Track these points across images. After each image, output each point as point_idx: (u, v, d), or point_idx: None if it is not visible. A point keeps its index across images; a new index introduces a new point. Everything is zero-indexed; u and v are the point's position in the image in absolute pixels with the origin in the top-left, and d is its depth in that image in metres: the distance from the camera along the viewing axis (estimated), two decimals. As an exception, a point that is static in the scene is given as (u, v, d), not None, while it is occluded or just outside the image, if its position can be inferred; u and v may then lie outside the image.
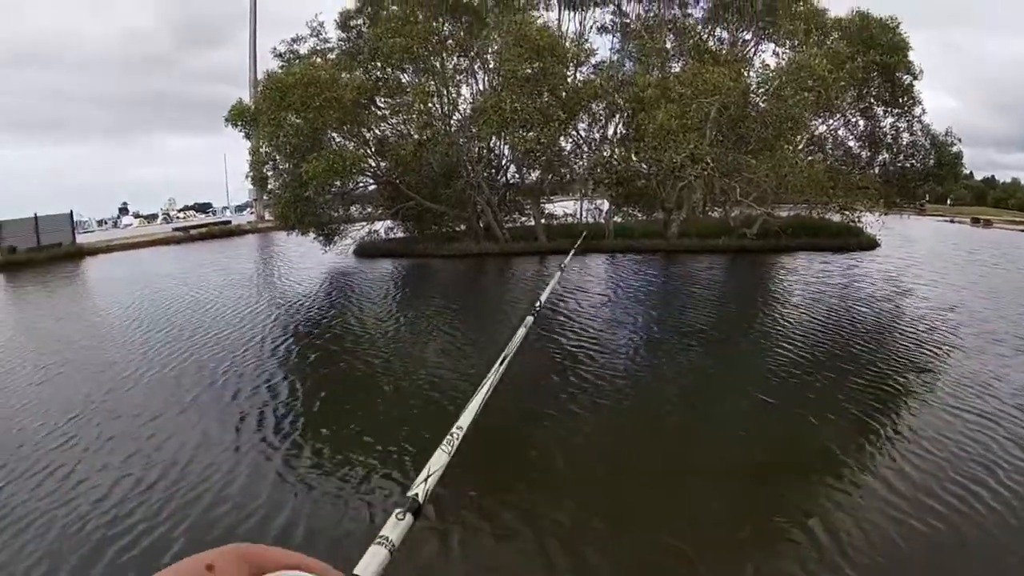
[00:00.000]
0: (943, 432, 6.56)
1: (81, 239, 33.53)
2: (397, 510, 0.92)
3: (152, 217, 59.82)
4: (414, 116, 22.17)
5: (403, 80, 23.27)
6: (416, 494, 0.99)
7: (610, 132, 24.33)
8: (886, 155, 25.18)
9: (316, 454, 6.33)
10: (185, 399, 8.03)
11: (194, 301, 15.21)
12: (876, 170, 24.72)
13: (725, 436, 6.77)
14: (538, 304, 3.36)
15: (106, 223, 59.48)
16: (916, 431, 6.67)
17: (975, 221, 35.36)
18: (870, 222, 22.37)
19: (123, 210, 64.55)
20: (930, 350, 9.85)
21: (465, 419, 1.19)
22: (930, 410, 7.29)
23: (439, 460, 1.11)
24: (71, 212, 32.94)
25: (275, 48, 24.71)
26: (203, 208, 65.64)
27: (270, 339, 11.20)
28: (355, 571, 0.75)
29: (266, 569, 0.42)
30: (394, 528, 0.89)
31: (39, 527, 4.97)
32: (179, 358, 9.97)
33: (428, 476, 1.04)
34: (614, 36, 26.73)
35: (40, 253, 28.38)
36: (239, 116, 24.03)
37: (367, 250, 24.58)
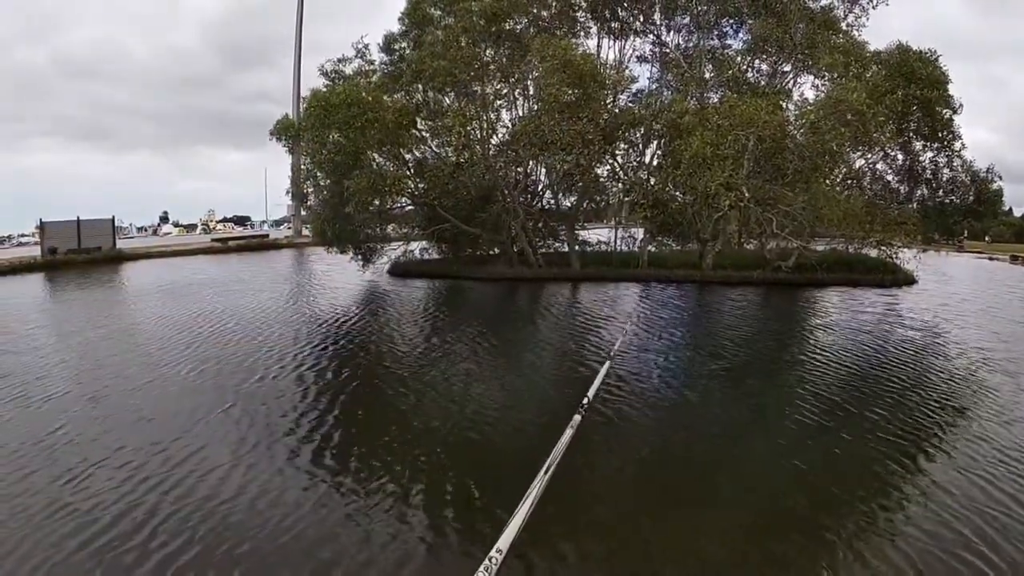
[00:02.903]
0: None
1: (121, 244, 34.55)
2: None
3: (191, 227, 61.14)
4: (453, 139, 22.58)
5: (445, 103, 23.78)
6: None
7: (647, 158, 24.55)
8: (925, 190, 24.94)
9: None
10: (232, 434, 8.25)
11: (231, 313, 15.58)
12: (914, 205, 24.48)
13: (758, 473, 6.74)
14: (586, 401, 3.02)
15: (146, 230, 60.90)
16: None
17: (1014, 259, 34.68)
18: (907, 258, 22.15)
19: (163, 219, 66.25)
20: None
21: (505, 540, 0.76)
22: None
23: None
24: (113, 218, 34.04)
25: (322, 66, 25.42)
26: (241, 221, 66.91)
27: (296, 356, 11.47)
28: None
29: None
30: None
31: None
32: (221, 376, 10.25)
33: None
34: (653, 65, 26.97)
35: (80, 255, 29.36)
36: (284, 131, 24.84)
37: (401, 270, 24.97)
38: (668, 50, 26.11)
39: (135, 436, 7.51)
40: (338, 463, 6.86)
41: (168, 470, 6.54)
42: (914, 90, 22.07)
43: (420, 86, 23.32)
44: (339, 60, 25.22)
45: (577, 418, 2.27)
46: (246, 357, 11.43)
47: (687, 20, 25.64)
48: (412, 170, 24.28)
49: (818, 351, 12.40)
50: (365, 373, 10.69)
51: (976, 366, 11.11)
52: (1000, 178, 24.38)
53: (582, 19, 25.26)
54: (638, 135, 23.66)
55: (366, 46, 25.13)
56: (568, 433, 2.08)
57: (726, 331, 14.90)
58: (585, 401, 3.06)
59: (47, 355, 11.80)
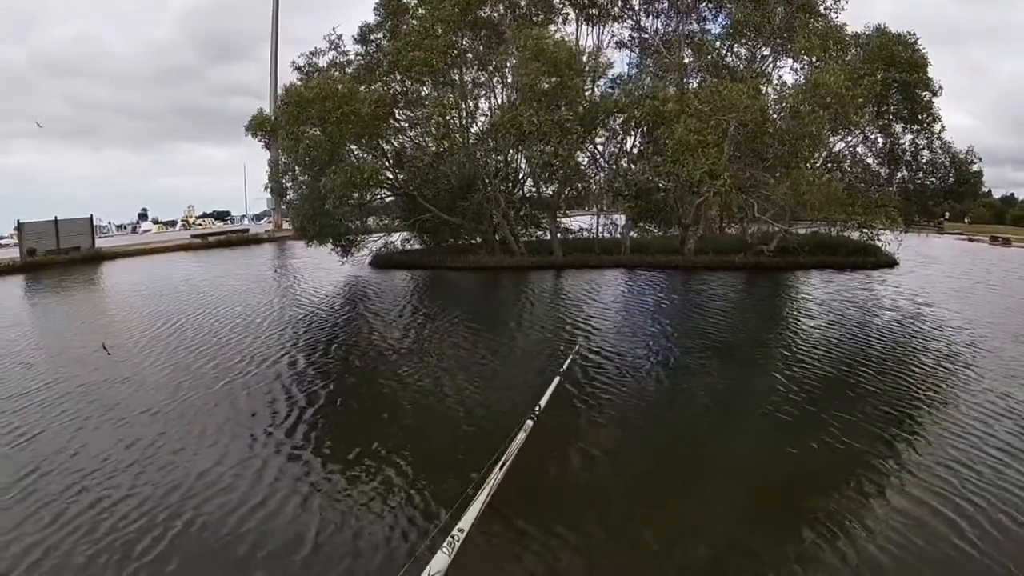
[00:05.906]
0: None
1: (100, 243, 33.97)
2: None
3: (171, 224, 60.26)
4: (432, 128, 22.30)
5: (422, 93, 23.49)
6: None
7: (628, 146, 24.41)
8: (905, 173, 25.03)
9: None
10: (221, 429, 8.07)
11: (213, 308, 15.31)
12: (895, 188, 24.55)
13: (743, 455, 6.73)
14: (537, 408, 3.33)
15: (125, 228, 60.04)
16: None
17: (994, 240, 34.98)
18: (888, 240, 22.25)
19: (142, 216, 65.24)
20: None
21: (466, 521, 0.85)
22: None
23: (440, 562, 0.83)
24: (91, 217, 33.45)
25: (294, 61, 25.08)
26: (221, 216, 65.94)
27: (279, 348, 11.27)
28: None
29: None
30: None
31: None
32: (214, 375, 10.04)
33: None
34: (632, 51, 26.78)
35: (59, 256, 28.84)
36: (259, 126, 24.37)
37: (383, 261, 24.74)
38: (647, 35, 25.95)
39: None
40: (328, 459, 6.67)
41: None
42: (893, 73, 22.08)
43: (397, 76, 23.00)
44: (312, 53, 24.93)
45: (529, 423, 2.44)
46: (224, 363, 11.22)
47: (665, 4, 25.48)
48: (391, 161, 24.00)
49: (803, 336, 12.42)
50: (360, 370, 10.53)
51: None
52: (979, 159, 24.54)
53: (559, 5, 25.00)
54: (618, 123, 23.47)
55: (339, 37, 24.80)
56: (520, 436, 2.18)
57: (709, 317, 14.80)
58: (537, 409, 3.26)
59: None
